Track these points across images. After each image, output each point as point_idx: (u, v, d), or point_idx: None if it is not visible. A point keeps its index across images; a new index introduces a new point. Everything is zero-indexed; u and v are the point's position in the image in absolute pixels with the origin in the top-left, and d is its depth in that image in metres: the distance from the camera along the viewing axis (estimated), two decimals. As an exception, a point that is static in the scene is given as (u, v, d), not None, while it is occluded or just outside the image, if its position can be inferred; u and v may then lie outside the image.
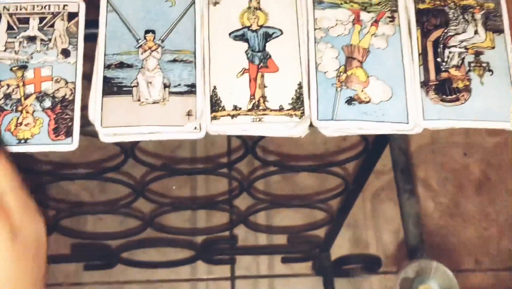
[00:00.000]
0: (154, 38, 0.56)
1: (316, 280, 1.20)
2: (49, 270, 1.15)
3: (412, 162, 1.25)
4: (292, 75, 0.56)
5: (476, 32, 0.58)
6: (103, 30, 0.56)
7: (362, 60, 0.57)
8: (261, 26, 0.57)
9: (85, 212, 1.24)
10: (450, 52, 0.58)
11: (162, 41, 0.56)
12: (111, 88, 0.54)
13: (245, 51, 0.56)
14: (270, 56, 0.56)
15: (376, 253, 1.22)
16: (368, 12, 0.59)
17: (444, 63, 0.57)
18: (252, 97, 0.55)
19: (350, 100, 0.55)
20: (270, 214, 1.23)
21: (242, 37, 0.57)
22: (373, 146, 0.79)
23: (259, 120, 0.54)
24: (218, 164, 1.23)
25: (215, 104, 0.55)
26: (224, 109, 0.54)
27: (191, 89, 0.54)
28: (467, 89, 0.56)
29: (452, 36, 0.58)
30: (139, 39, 0.56)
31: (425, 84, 0.56)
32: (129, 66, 0.55)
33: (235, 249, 1.23)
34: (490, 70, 0.57)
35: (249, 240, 1.22)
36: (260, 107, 0.55)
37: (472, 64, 0.57)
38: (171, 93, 0.54)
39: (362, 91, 0.56)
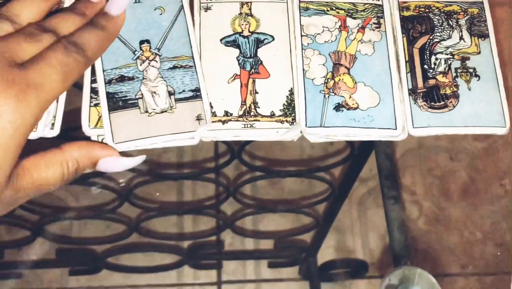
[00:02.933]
0: (150, 48, 0.56)
1: (302, 285, 1.20)
2: (34, 275, 1.14)
3: (398, 167, 1.26)
4: (283, 81, 0.56)
5: (461, 38, 0.59)
6: None
7: (349, 66, 0.57)
8: (252, 32, 0.58)
9: (70, 217, 1.23)
10: (436, 59, 0.58)
11: (159, 49, 0.56)
12: (116, 103, 0.53)
13: (237, 57, 0.57)
14: (261, 62, 0.56)
15: (363, 257, 1.22)
16: (354, 18, 0.59)
17: (431, 70, 0.58)
18: (243, 103, 0.55)
19: (338, 107, 0.56)
20: (257, 219, 1.23)
21: (234, 43, 0.57)
22: (359, 151, 0.80)
23: (250, 126, 0.54)
24: (205, 169, 1.23)
25: (206, 110, 0.55)
26: (215, 115, 0.54)
27: (196, 94, 0.54)
28: (455, 95, 0.57)
29: (437, 42, 0.59)
30: (135, 50, 0.55)
31: (413, 92, 0.57)
32: (130, 78, 0.54)
33: (222, 254, 1.22)
34: (476, 75, 0.58)
35: (235, 245, 1.22)
36: (251, 114, 0.55)
37: (459, 70, 0.58)
38: (177, 100, 0.54)
39: (350, 97, 0.56)
